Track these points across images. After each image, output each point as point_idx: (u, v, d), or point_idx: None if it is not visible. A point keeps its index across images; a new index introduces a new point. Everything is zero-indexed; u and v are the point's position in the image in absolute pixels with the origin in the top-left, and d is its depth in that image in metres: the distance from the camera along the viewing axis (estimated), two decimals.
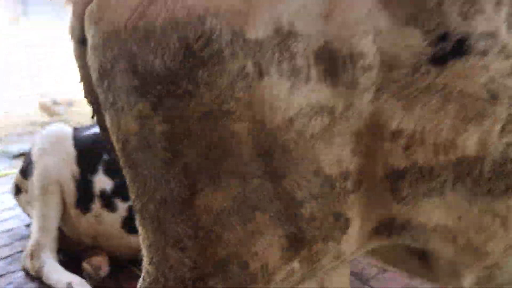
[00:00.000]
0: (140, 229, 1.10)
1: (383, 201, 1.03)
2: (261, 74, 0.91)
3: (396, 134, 0.98)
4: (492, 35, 0.93)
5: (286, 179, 0.95)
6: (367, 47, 0.93)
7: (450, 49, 0.93)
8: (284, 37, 0.92)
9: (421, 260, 1.20)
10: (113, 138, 1.06)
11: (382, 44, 0.93)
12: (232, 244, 0.99)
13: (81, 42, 1.12)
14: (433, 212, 1.04)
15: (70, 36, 1.14)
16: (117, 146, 1.06)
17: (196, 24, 0.91)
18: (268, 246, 1.00)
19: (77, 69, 1.16)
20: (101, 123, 1.22)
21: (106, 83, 1.02)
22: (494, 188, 1.01)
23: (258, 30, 0.91)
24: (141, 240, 1.11)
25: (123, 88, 0.98)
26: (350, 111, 0.96)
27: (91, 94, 1.17)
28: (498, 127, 0.96)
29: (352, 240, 1.05)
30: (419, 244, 1.10)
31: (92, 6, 1.07)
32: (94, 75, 1.05)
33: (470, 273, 1.16)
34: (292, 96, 0.92)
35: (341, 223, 1.01)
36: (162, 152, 0.98)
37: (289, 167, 0.95)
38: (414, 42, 0.93)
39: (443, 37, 0.93)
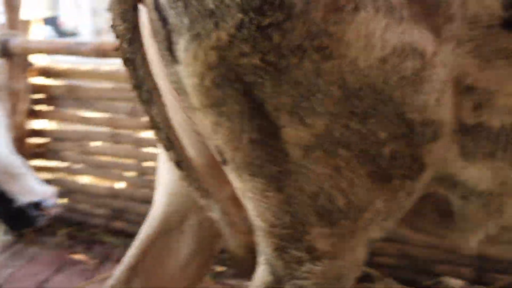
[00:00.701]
0: (236, 179, 1.11)
1: (451, 154, 1.09)
2: (357, 7, 0.91)
3: (469, 90, 1.03)
4: None
5: (372, 119, 0.98)
6: None
7: None
8: None
9: (442, 217, 1.31)
10: (186, 71, 1.02)
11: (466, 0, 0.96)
12: (320, 179, 1.03)
13: None
14: (485, 175, 1.13)
15: None
16: (193, 80, 1.02)
17: None
18: (353, 183, 1.03)
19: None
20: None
21: (181, 4, 0.97)
22: None
23: None
24: (240, 191, 1.14)
25: (200, 11, 0.95)
26: (437, 59, 0.97)
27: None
28: None
29: (421, 183, 1.12)
30: (458, 202, 1.21)
31: None
32: None
33: (483, 232, 1.29)
34: (387, 35, 0.93)
35: (417, 166, 1.06)
36: (244, 86, 0.98)
37: (377, 108, 0.97)
38: (492, 3, 0.97)
39: None
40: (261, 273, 1.19)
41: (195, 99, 1.05)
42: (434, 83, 0.99)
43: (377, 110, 0.98)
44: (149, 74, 1.15)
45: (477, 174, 1.13)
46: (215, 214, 1.25)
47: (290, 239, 1.12)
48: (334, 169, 1.03)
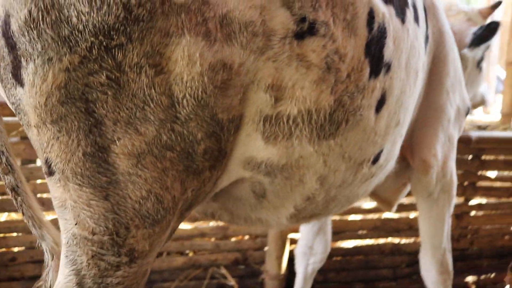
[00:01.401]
0: (59, 188, 1.19)
1: (252, 139, 1.34)
2: (182, 33, 1.10)
3: (270, 87, 1.26)
4: (326, 23, 1.29)
5: (193, 123, 1.18)
6: (255, 17, 1.17)
7: (306, 29, 1.26)
8: (200, 3, 1.11)
9: (257, 198, 1.59)
10: (32, 92, 1.11)
11: (264, 17, 1.19)
12: (149, 183, 1.18)
13: None
14: (284, 152, 1.39)
15: None
16: (36, 101, 1.11)
17: None
18: (174, 180, 1.21)
19: None
20: None
21: (34, 32, 1.06)
22: (322, 133, 1.40)
23: None
24: (59, 200, 1.21)
25: (53, 38, 1.06)
26: (242, 68, 1.19)
27: None
28: (329, 89, 1.33)
29: (224, 170, 1.36)
30: (266, 180, 1.47)
31: None
32: (15, 24, 1.07)
33: (292, 205, 1.61)
34: (204, 54, 1.12)
35: (222, 155, 1.28)
36: (86, 104, 1.11)
37: (196, 112, 1.17)
38: (285, 20, 1.22)
39: (303, 19, 1.25)
40: (64, 285, 1.23)
41: (35, 117, 1.14)
42: (238, 88, 1.21)
43: (197, 115, 1.16)
44: None
45: (277, 152, 1.38)
46: (47, 244, 1.35)
47: (111, 245, 1.20)
48: (162, 170, 1.18)
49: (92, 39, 1.05)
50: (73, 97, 1.10)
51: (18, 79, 1.12)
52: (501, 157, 3.57)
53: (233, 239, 3.31)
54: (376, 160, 1.68)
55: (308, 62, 1.28)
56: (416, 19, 1.69)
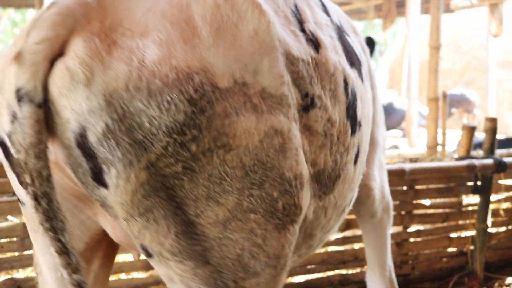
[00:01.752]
0: (162, 267, 1.28)
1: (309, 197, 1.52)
2: (237, 113, 1.25)
3: (305, 153, 1.46)
4: (320, 96, 1.47)
5: (266, 184, 1.34)
6: (286, 92, 1.35)
7: (309, 102, 1.44)
8: (240, 85, 1.26)
9: None
10: (117, 192, 1.19)
11: (290, 93, 1.40)
12: (240, 243, 1.32)
13: (39, 105, 1.14)
14: (309, 210, 1.55)
15: (14, 99, 1.13)
16: (123, 199, 1.20)
17: (187, 80, 1.17)
18: (265, 237, 1.36)
19: (30, 133, 1.14)
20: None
21: (112, 142, 1.15)
22: (326, 189, 1.59)
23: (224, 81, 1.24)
24: (165, 276, 1.31)
25: (131, 144, 1.15)
26: (290, 133, 1.38)
27: (42, 155, 1.16)
28: (328, 151, 1.53)
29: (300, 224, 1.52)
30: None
31: (70, 67, 1.15)
32: (93, 136, 1.15)
33: (295, 255, 1.67)
34: (258, 125, 1.28)
35: (298, 211, 1.43)
36: (167, 192, 1.21)
37: (267, 175, 1.33)
38: (296, 95, 1.41)
39: (306, 95, 1.43)
40: None
41: (122, 212, 1.22)
42: (294, 150, 1.37)
43: (268, 176, 1.31)
44: (59, 206, 1.20)
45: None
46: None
47: None
48: (249, 231, 1.31)
49: (167, 139, 1.17)
50: (155, 189, 1.20)
51: (100, 182, 1.20)
52: (432, 186, 3.84)
53: None
54: (351, 202, 1.91)
55: (314, 131, 1.48)
56: (365, 72, 1.91)
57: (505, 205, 4.31)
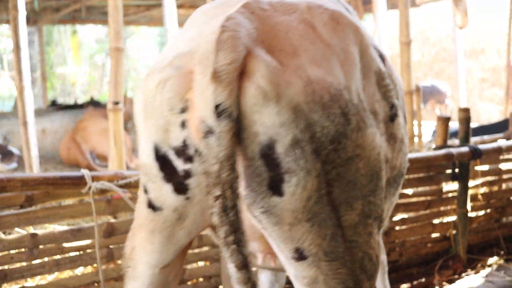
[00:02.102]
0: (311, 269, 1.42)
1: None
2: (366, 126, 1.43)
3: (388, 160, 1.65)
4: (398, 105, 1.66)
5: (383, 189, 1.59)
6: (377, 108, 1.59)
7: (394, 113, 1.62)
8: (361, 103, 1.48)
9: None
10: (292, 200, 1.32)
11: (379, 108, 1.63)
12: (363, 246, 1.48)
13: (234, 120, 1.25)
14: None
15: (212, 115, 1.23)
16: (296, 206, 1.33)
17: (340, 95, 1.34)
18: (376, 240, 1.53)
19: (226, 146, 1.24)
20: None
21: (298, 151, 1.29)
22: (396, 186, 1.81)
23: None
24: (309, 279, 1.44)
25: (312, 153, 1.30)
26: (382, 148, 1.58)
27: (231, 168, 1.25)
28: (400, 154, 1.69)
29: None
30: None
31: (261, 86, 1.27)
32: (282, 147, 1.28)
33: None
34: (376, 139, 1.47)
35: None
36: (328, 197, 1.38)
37: (381, 179, 1.56)
38: (384, 108, 1.60)
39: (392, 106, 1.62)
40: None
41: (290, 218, 1.34)
42: (384, 161, 1.54)
43: (377, 186, 1.48)
44: (242, 220, 1.31)
45: None
46: None
47: None
48: (368, 234, 1.48)
49: (329, 146, 1.33)
50: (321, 195, 1.35)
51: (276, 191, 1.31)
52: (413, 176, 4.02)
53: (189, 283, 3.47)
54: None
55: (396, 138, 1.65)
56: None
57: (483, 189, 4.50)
